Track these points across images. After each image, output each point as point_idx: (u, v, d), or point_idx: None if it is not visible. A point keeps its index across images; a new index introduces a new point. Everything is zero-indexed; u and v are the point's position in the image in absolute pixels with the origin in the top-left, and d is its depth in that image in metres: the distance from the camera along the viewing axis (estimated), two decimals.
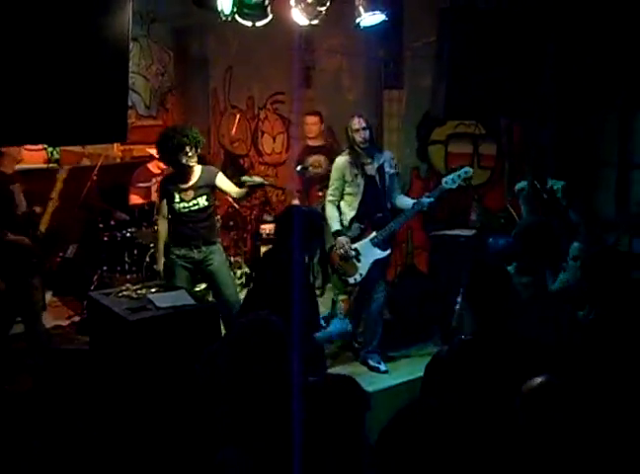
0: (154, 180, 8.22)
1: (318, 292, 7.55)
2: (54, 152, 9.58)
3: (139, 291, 5.72)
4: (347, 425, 2.98)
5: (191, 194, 6.37)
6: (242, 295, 8.15)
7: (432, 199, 6.31)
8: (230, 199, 8.31)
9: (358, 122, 6.28)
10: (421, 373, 3.82)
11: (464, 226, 7.50)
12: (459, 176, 6.35)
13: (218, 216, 7.01)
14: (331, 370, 5.73)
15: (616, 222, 6.65)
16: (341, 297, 6.67)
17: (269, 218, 9.52)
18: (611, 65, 6.51)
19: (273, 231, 6.45)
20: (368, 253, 6.36)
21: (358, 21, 5.85)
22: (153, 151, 8.33)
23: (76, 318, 7.58)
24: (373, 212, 6.36)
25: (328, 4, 5.65)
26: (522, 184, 5.96)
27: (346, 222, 6.39)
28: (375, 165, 6.37)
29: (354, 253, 6.32)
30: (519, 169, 7.49)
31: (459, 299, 5.00)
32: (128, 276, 7.68)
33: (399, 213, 6.42)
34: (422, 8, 7.53)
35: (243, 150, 10.49)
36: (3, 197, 6.28)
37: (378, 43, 8.03)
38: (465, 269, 4.04)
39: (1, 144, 5.89)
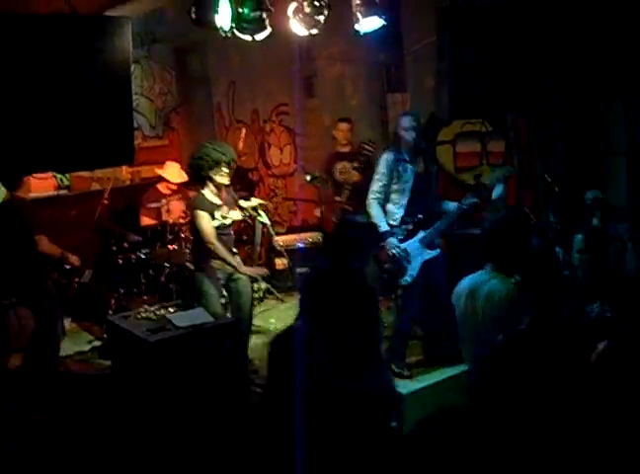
0: (164, 200, 8.25)
1: None
2: (64, 179, 9.62)
3: (158, 312, 5.72)
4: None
5: (226, 209, 6.44)
6: (260, 309, 8.30)
7: (475, 200, 6.14)
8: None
9: (408, 121, 6.18)
10: (442, 377, 3.80)
11: (476, 225, 7.47)
12: (504, 175, 6.27)
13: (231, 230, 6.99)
14: None
15: (628, 211, 6.60)
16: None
17: (281, 230, 9.53)
18: (614, 55, 6.48)
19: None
20: (418, 253, 6.19)
21: (356, 27, 5.85)
22: (161, 172, 8.39)
23: (97, 343, 7.57)
24: (420, 212, 6.18)
25: (326, 13, 5.65)
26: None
27: (395, 222, 6.21)
28: (421, 165, 6.28)
29: (404, 254, 6.13)
30: (528, 164, 7.47)
31: None
32: (145, 298, 7.68)
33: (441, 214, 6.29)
34: (419, 9, 7.54)
35: (251, 164, 10.51)
36: (20, 223, 6.34)
37: (378, 48, 8.04)
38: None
39: (10, 174, 5.93)
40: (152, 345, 5.08)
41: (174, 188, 8.36)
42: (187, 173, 6.68)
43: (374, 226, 5.28)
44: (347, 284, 4.60)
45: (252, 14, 5.41)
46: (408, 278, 6.20)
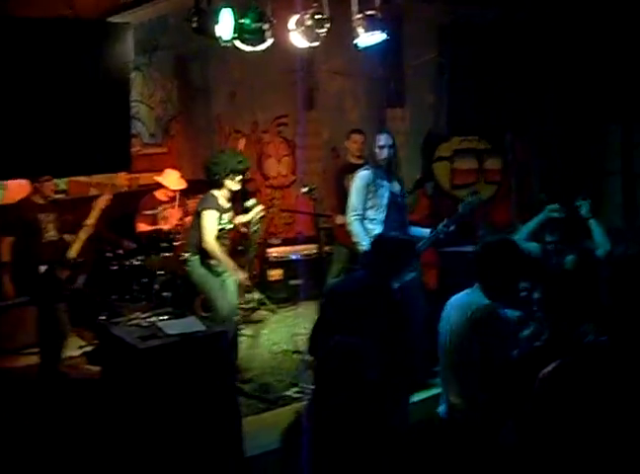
0: (160, 207, 8.25)
1: None
2: (61, 183, 9.61)
3: (149, 319, 5.70)
4: None
5: (231, 214, 6.72)
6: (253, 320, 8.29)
7: (447, 229, 6.13)
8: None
9: (383, 139, 6.24)
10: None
11: (472, 242, 7.46)
12: (470, 202, 6.21)
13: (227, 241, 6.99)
14: None
15: (624, 231, 6.62)
16: None
17: (276, 242, 9.53)
18: (612, 79, 6.51)
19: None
20: None
21: (357, 41, 5.87)
22: (160, 179, 8.39)
23: (87, 348, 7.55)
24: (399, 229, 6.04)
25: (327, 26, 5.66)
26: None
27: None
28: (396, 185, 6.31)
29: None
30: (525, 183, 7.48)
31: None
32: (138, 305, 7.66)
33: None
34: (421, 26, 7.57)
35: (248, 174, 10.50)
36: (31, 226, 6.44)
37: (379, 63, 8.06)
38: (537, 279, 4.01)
39: (7, 177, 5.94)
40: (141, 351, 5.06)
41: (171, 195, 8.36)
42: (204, 173, 6.73)
43: (410, 242, 5.05)
44: (386, 302, 4.60)
45: (253, 25, 5.42)
46: None
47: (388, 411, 3.99)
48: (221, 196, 6.57)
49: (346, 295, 4.73)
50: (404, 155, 8.46)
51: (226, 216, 6.60)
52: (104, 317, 7.44)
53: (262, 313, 8.64)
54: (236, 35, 5.40)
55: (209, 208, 6.48)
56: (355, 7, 5.76)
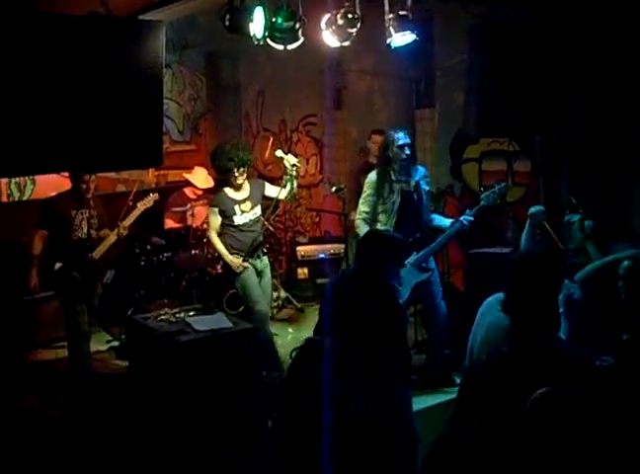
0: (189, 205, 8.31)
1: None
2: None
3: (178, 315, 5.74)
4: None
5: (249, 204, 6.69)
6: (278, 318, 8.33)
7: (471, 218, 6.10)
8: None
9: (403, 137, 6.16)
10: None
11: (501, 243, 7.45)
12: (495, 192, 6.11)
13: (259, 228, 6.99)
14: None
15: None
16: None
17: (303, 240, 9.55)
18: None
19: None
20: (410, 277, 6.04)
21: (389, 42, 5.86)
22: (189, 176, 8.45)
23: (115, 343, 7.62)
24: (411, 232, 6.01)
25: (358, 25, 5.67)
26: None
27: None
28: (412, 182, 6.22)
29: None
30: (554, 185, 7.45)
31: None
32: (166, 300, 7.72)
33: (437, 233, 6.24)
34: (452, 26, 7.55)
35: (277, 173, 10.50)
36: (63, 221, 6.47)
37: (409, 63, 8.05)
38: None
39: (41, 172, 6.00)
40: (170, 347, 5.10)
41: (200, 193, 8.42)
42: (215, 171, 6.87)
43: (397, 240, 4.96)
44: (376, 299, 4.60)
45: (285, 24, 5.43)
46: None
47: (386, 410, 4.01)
48: (230, 188, 6.68)
49: (338, 292, 4.77)
50: (432, 156, 8.48)
51: (238, 207, 6.65)
52: (131, 312, 7.52)
53: (288, 311, 8.67)
54: (268, 33, 5.42)
55: (210, 205, 6.83)
56: (387, 7, 5.76)
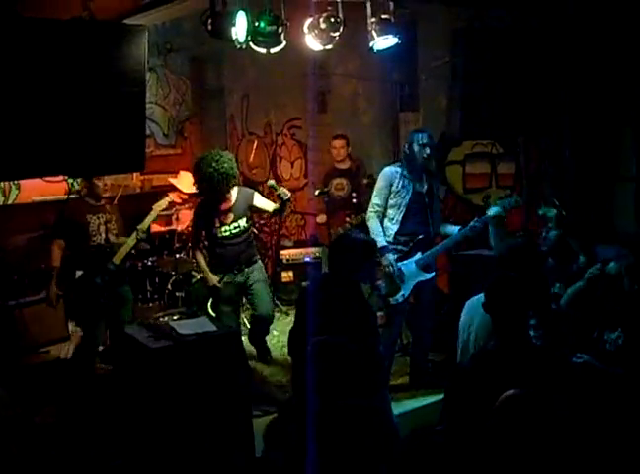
0: (174, 209, 8.30)
1: None
2: (75, 183, 9.64)
3: (162, 319, 5.74)
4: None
5: (231, 217, 6.53)
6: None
7: (479, 225, 6.12)
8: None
9: (425, 137, 6.09)
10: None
11: (485, 246, 7.47)
12: (508, 204, 6.10)
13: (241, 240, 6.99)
14: None
15: (636, 236, 6.60)
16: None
17: (289, 244, 9.56)
18: (626, 82, 6.51)
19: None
20: (413, 275, 6.12)
21: (371, 45, 5.88)
22: (175, 181, 8.44)
23: (100, 347, 7.59)
24: (417, 231, 6.11)
25: (341, 29, 5.69)
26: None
27: (389, 238, 6.11)
28: (425, 184, 6.19)
29: (399, 273, 6.06)
30: (537, 187, 7.48)
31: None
32: (151, 305, 7.71)
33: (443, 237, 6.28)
34: (435, 30, 7.58)
35: (262, 177, 10.54)
36: (81, 228, 6.43)
37: (393, 66, 8.08)
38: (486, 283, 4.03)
39: (23, 176, 5.98)
40: (154, 351, 5.09)
41: (185, 197, 8.41)
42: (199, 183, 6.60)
43: (370, 241, 5.07)
44: (347, 297, 4.64)
45: (268, 27, 5.44)
46: (399, 298, 6.14)
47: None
48: (214, 200, 6.54)
49: (314, 295, 4.81)
50: None
51: (225, 219, 6.54)
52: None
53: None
54: (251, 37, 5.43)
55: (196, 213, 6.76)
56: (369, 11, 5.78)
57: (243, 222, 6.61)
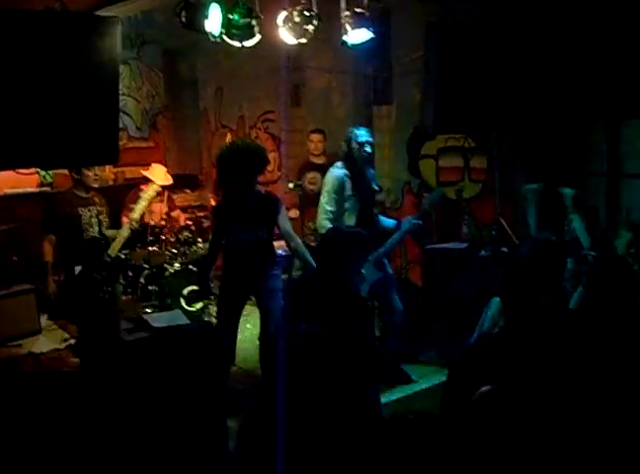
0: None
1: None
2: (47, 176, 9.59)
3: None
4: None
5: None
6: None
7: (418, 222, 6.26)
8: None
9: (366, 134, 6.14)
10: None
11: (457, 239, 7.53)
12: (433, 199, 6.48)
13: None
14: None
15: (604, 232, 6.66)
16: None
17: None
18: (598, 76, 6.55)
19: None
20: (368, 273, 6.07)
21: (344, 38, 5.89)
22: (147, 173, 8.39)
23: (72, 341, 7.54)
24: (369, 231, 5.80)
25: (315, 23, 5.69)
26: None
27: None
28: (368, 181, 6.25)
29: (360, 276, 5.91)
30: (509, 181, 7.53)
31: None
32: (124, 298, 7.67)
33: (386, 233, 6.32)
34: (409, 23, 7.60)
35: None
36: (68, 221, 6.34)
37: (366, 60, 8.10)
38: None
39: None
40: (127, 343, 5.08)
41: (158, 189, 8.36)
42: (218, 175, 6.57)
43: (358, 236, 5.03)
44: (339, 293, 4.65)
45: (242, 20, 5.44)
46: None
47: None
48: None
49: (304, 287, 4.83)
50: (389, 153, 8.54)
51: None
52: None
53: (247, 308, 8.65)
54: (224, 30, 5.42)
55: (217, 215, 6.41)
56: (343, 4, 5.79)
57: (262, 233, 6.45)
